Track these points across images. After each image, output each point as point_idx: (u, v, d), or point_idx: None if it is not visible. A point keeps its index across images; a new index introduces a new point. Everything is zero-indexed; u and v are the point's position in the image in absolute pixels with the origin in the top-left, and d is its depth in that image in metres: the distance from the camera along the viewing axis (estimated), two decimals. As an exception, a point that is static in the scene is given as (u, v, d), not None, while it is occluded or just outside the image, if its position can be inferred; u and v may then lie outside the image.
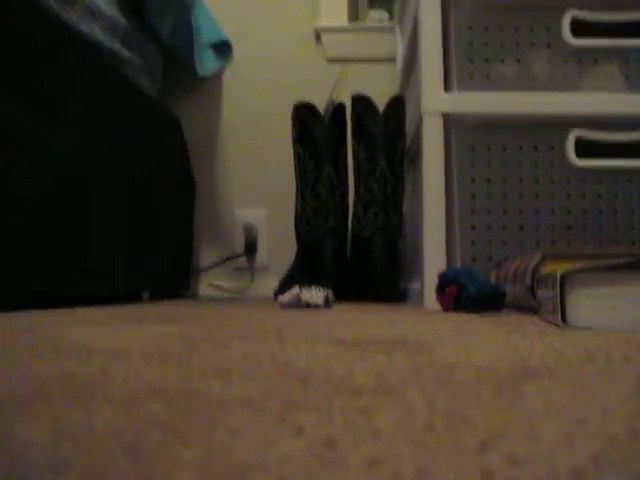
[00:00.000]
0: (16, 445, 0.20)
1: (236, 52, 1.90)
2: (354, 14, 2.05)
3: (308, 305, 1.03)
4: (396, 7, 1.83)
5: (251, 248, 1.90)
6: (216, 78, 1.93)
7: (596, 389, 0.30)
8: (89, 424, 0.23)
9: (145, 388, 0.30)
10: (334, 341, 0.51)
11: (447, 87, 1.23)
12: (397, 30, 1.84)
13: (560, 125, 1.23)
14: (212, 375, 0.33)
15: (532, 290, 0.87)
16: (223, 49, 1.87)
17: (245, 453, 0.19)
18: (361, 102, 1.49)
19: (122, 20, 1.45)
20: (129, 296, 1.43)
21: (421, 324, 0.72)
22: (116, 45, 1.44)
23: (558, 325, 0.67)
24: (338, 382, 0.31)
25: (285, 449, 0.19)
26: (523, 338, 0.54)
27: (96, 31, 1.33)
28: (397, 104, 1.47)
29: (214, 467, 0.18)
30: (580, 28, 1.24)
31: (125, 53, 1.49)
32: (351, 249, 1.52)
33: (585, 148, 1.23)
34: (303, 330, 0.62)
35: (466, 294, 0.95)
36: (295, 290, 1.03)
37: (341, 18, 1.95)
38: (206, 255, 1.93)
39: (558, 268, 0.71)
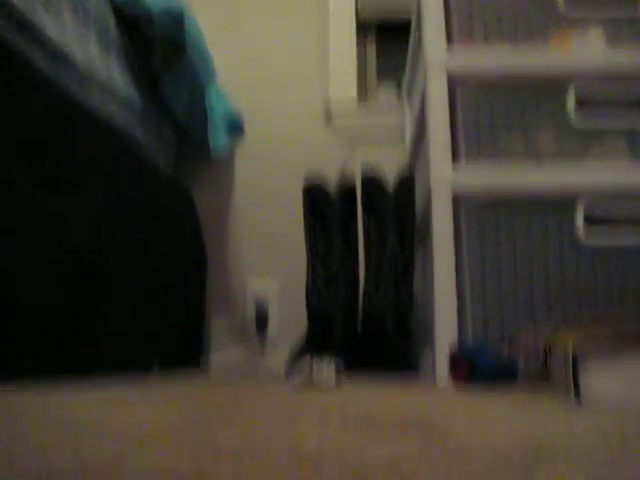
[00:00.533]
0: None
1: (247, 129, 1.95)
2: (363, 88, 2.10)
3: (319, 383, 1.02)
4: (404, 80, 1.88)
5: (262, 322, 1.89)
6: (228, 154, 1.97)
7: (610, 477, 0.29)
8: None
9: (159, 475, 0.30)
10: (346, 421, 0.50)
11: (455, 161, 1.25)
12: (405, 105, 1.89)
13: (568, 199, 1.23)
14: (225, 460, 0.33)
15: (545, 365, 0.87)
16: (235, 127, 1.91)
17: None
18: (371, 181, 1.51)
19: (138, 98, 1.49)
20: (139, 368, 1.43)
21: (434, 402, 0.72)
22: (132, 123, 1.48)
23: (572, 401, 0.66)
24: (351, 469, 0.31)
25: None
26: (536, 417, 0.54)
27: (113, 109, 1.37)
28: (406, 182, 1.49)
29: None
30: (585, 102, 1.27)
31: (140, 131, 1.53)
32: (362, 326, 1.51)
33: (594, 222, 1.23)
34: (315, 409, 0.61)
35: (479, 370, 0.95)
36: (306, 367, 1.03)
37: (351, 92, 2.00)
38: (217, 329, 1.92)
39: (570, 343, 0.70)
